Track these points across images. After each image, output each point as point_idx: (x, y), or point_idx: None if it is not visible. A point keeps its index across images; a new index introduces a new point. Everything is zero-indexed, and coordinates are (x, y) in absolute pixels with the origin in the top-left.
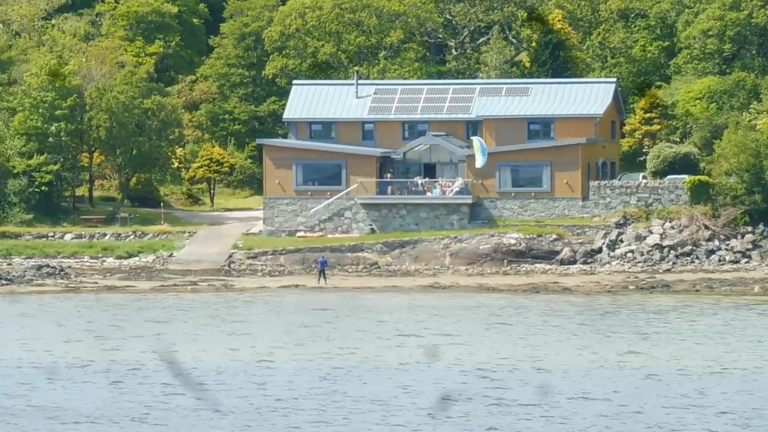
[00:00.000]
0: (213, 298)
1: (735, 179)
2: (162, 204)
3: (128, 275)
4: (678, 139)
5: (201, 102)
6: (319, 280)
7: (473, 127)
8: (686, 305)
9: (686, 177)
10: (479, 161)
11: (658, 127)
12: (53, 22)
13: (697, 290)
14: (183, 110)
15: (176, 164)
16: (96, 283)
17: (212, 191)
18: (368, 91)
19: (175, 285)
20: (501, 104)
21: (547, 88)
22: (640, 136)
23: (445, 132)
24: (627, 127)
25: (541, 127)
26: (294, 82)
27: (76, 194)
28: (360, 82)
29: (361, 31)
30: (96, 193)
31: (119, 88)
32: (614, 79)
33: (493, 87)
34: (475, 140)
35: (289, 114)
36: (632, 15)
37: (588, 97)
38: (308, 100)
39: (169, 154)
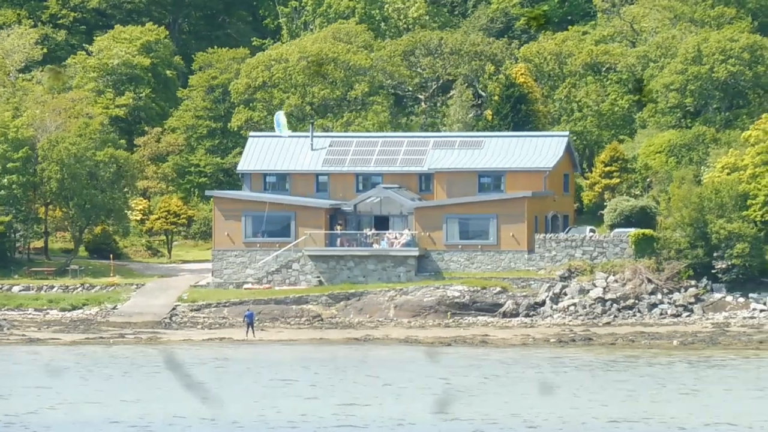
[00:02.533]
0: (114, 351)
1: (680, 233)
2: (112, 256)
3: (65, 328)
4: (639, 193)
5: (168, 153)
6: (246, 332)
7: (426, 179)
8: (574, 358)
9: (632, 231)
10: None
11: (618, 180)
12: (32, 74)
13: (612, 344)
14: (149, 162)
15: (139, 216)
16: (24, 335)
17: (170, 243)
18: (323, 144)
19: (101, 337)
20: (453, 157)
21: (499, 141)
22: (600, 190)
23: (399, 184)
24: (587, 181)
25: (491, 180)
26: (250, 134)
27: (37, 246)
28: (315, 134)
29: (327, 83)
30: (57, 245)
31: (71, 139)
32: (566, 133)
33: (447, 140)
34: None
35: (243, 166)
36: (604, 69)
37: (540, 150)
38: (264, 152)
39: (122, 205)
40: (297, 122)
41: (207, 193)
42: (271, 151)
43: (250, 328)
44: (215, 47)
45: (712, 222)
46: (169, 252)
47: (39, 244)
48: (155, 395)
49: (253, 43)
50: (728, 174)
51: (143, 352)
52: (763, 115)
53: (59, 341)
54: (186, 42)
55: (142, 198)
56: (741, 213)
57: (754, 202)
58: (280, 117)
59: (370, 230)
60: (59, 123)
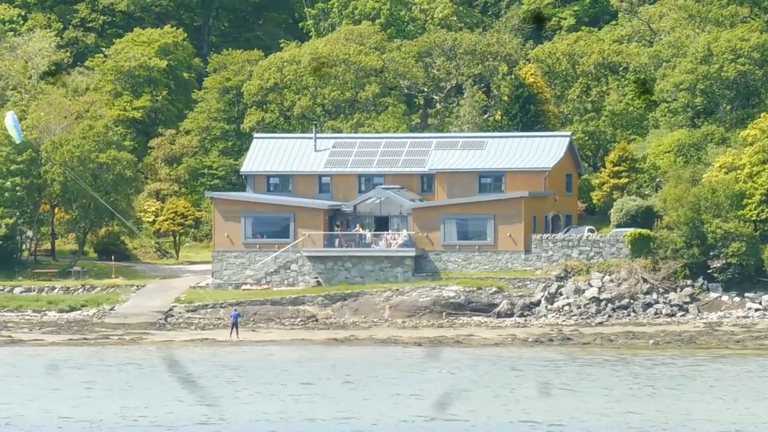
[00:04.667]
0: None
1: (676, 233)
2: (114, 257)
3: (59, 329)
4: (648, 193)
5: (182, 155)
6: (231, 333)
7: (428, 180)
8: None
9: (629, 230)
10: (16, 137)
11: (626, 180)
12: (56, 78)
13: (585, 343)
14: (163, 164)
15: (151, 218)
16: (9, 336)
17: (177, 245)
18: (327, 145)
19: (85, 339)
20: (455, 158)
21: (501, 142)
22: (608, 189)
23: (400, 185)
24: (596, 181)
25: (492, 180)
26: (255, 135)
27: (46, 248)
28: (319, 135)
29: (337, 85)
30: (67, 247)
31: (75, 142)
32: (568, 134)
33: (449, 141)
34: (8, 116)
35: (247, 167)
36: (620, 69)
37: (541, 151)
38: (268, 154)
39: (126, 207)
40: (308, 124)
41: (207, 194)
42: (276, 152)
43: (235, 329)
44: (243, 50)
45: (709, 221)
46: (177, 253)
47: (49, 245)
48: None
49: (281, 46)
50: (726, 173)
51: (99, 353)
52: (762, 114)
53: (42, 342)
54: (217, 45)
55: (155, 200)
56: (737, 212)
57: (750, 201)
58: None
59: (366, 230)
60: (64, 126)
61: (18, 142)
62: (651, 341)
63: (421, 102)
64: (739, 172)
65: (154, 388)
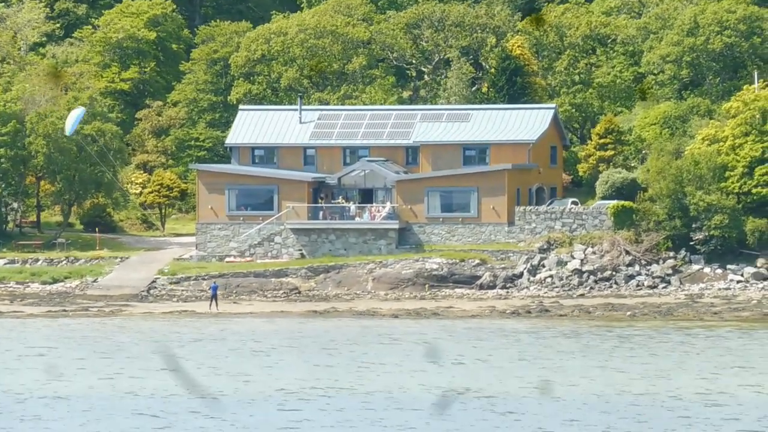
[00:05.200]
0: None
1: (659, 205)
2: (98, 229)
3: (40, 301)
4: (635, 165)
5: (170, 127)
6: (210, 305)
7: (413, 152)
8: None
9: (612, 203)
10: (67, 129)
11: (612, 152)
12: (45, 49)
13: (562, 315)
14: (150, 135)
15: (138, 190)
16: None
17: (163, 217)
18: (312, 117)
19: (64, 310)
20: (440, 130)
21: (486, 114)
22: (594, 162)
23: (386, 158)
24: (582, 153)
25: (476, 153)
26: (240, 107)
27: (33, 220)
28: (304, 107)
29: (324, 56)
30: (54, 219)
31: (59, 113)
32: (553, 106)
33: (434, 113)
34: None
35: (231, 139)
36: (608, 41)
37: (525, 123)
38: (253, 126)
39: (110, 179)
40: (295, 95)
41: (191, 166)
42: (260, 124)
43: (214, 301)
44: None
45: (691, 194)
46: (163, 225)
47: (35, 217)
48: None
49: (272, 18)
50: (708, 145)
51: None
52: (745, 86)
53: (20, 314)
54: (209, 17)
55: (142, 172)
56: (720, 185)
57: (732, 173)
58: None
59: (351, 203)
60: (49, 97)
61: (67, 133)
62: (628, 313)
63: (414, 74)
64: (721, 144)
65: None
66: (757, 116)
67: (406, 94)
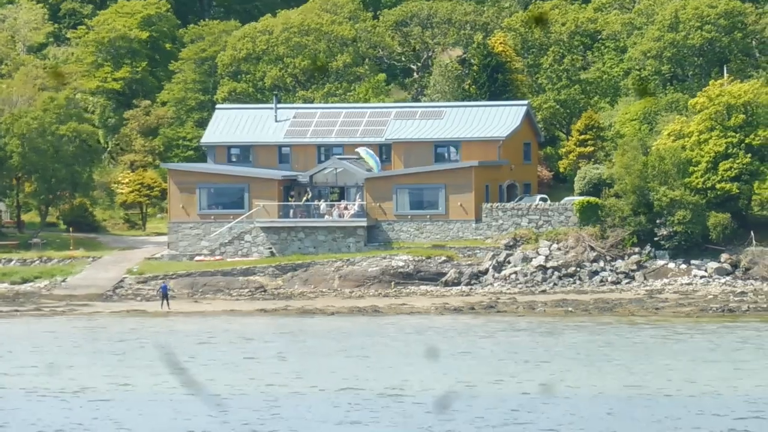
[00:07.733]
0: None
1: (624, 201)
2: (71, 229)
3: (2, 301)
4: (614, 161)
5: (158, 127)
6: (162, 305)
7: (386, 150)
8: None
9: (577, 199)
10: (375, 167)
11: (592, 148)
12: (47, 50)
13: (501, 312)
14: (138, 135)
15: (125, 189)
16: None
17: (144, 216)
18: (287, 115)
19: (17, 310)
20: (412, 128)
21: (460, 111)
22: (574, 158)
23: (358, 156)
24: (563, 149)
25: (447, 150)
26: (217, 106)
27: (13, 220)
28: (280, 106)
29: (308, 54)
30: (38, 219)
31: (34, 114)
32: (525, 102)
33: (408, 111)
34: (361, 151)
35: (207, 138)
36: (599, 37)
37: (497, 120)
38: (229, 125)
39: (89, 180)
40: (281, 93)
41: (162, 165)
42: (236, 123)
43: (165, 300)
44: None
45: (655, 189)
46: (144, 224)
47: (24, 218)
48: None
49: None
50: (674, 141)
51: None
52: (711, 82)
53: None
54: (217, 16)
55: (129, 171)
56: (684, 180)
57: (696, 169)
58: (368, 151)
59: (324, 201)
60: (26, 98)
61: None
62: (569, 309)
63: (411, 73)
64: (686, 139)
65: None
66: (722, 111)
67: (405, 95)
